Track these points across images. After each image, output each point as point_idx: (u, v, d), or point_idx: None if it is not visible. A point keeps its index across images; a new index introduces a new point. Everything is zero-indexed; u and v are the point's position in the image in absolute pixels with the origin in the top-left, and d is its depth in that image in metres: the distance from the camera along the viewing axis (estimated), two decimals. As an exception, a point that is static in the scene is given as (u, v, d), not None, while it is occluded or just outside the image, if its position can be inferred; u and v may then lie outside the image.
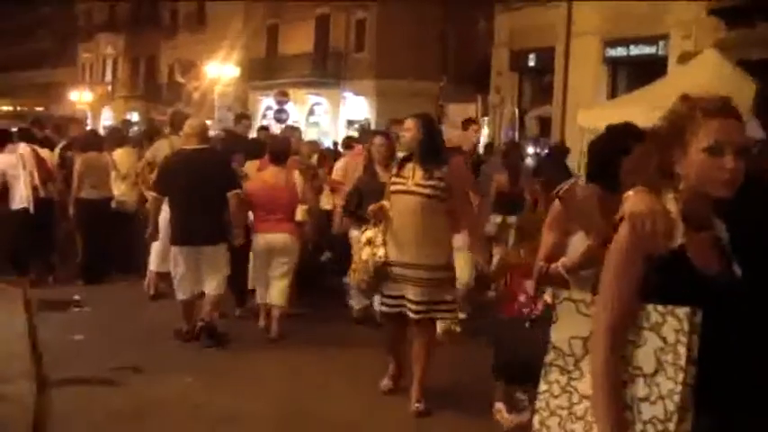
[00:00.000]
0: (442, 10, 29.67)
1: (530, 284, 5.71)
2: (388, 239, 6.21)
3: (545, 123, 22.98)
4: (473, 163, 10.47)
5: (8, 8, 63.48)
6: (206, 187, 8.05)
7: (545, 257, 4.12)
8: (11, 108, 55.87)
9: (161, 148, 10.10)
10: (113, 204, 11.03)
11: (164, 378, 7.08)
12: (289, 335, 8.60)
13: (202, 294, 8.38)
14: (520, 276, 5.91)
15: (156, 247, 9.55)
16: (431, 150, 6.24)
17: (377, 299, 7.15)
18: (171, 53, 45.89)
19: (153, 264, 9.90)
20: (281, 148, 8.97)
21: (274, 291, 8.57)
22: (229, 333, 8.52)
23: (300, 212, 8.63)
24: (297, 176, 8.81)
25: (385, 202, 6.30)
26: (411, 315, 6.23)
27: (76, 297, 10.00)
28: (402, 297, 6.24)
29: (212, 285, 8.29)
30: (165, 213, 9.08)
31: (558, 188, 4.25)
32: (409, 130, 6.29)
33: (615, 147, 3.89)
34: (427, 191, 6.13)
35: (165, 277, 9.77)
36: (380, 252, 6.16)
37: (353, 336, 8.61)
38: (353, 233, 8.10)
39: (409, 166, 6.25)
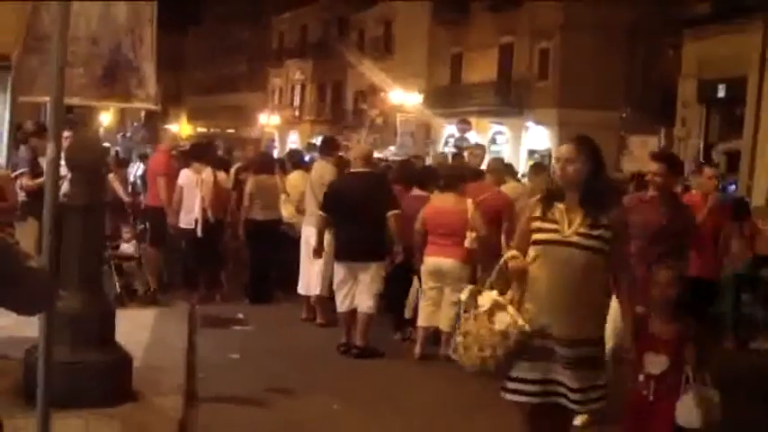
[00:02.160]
0: (626, 39, 28.97)
1: (650, 361, 4.92)
2: (528, 303, 4.66)
3: (733, 158, 21.87)
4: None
5: (209, 33, 67.02)
6: (366, 207, 8.67)
7: None
8: (205, 129, 58.78)
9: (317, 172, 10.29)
10: (282, 226, 11.29)
11: (311, 402, 7.10)
12: (443, 366, 8.52)
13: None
14: (642, 349, 4.97)
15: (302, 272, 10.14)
16: (599, 188, 4.74)
17: None
18: (357, 79, 46.91)
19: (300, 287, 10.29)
20: (453, 175, 9.22)
21: (443, 316, 8.68)
22: (382, 360, 8.66)
23: (468, 239, 8.66)
24: (469, 203, 8.83)
25: (514, 252, 4.76)
26: (569, 405, 4.71)
27: (240, 316, 10.25)
28: (543, 381, 4.68)
29: (364, 303, 8.76)
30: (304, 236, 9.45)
31: None
32: (572, 161, 4.69)
33: None
34: (591, 242, 4.62)
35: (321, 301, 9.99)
36: (520, 320, 4.56)
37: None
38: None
39: (559, 207, 4.70)
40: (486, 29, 35.76)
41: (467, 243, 8.64)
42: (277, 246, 11.17)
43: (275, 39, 60.25)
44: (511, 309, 4.61)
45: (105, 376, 5.99)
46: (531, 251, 4.70)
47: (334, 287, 9.08)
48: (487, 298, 4.67)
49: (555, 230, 4.66)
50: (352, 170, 9.41)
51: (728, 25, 21.30)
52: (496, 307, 4.63)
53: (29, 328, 4.63)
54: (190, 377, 7.24)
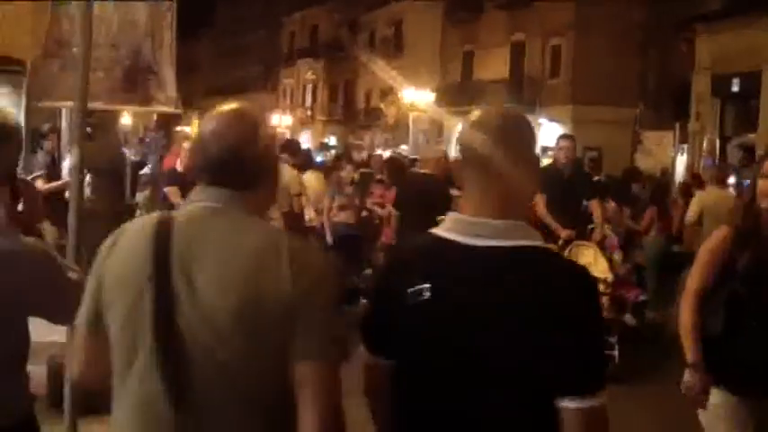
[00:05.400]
0: (639, 34, 28.88)
1: None
2: None
3: (749, 152, 21.79)
4: None
5: (222, 35, 67.22)
6: (422, 210, 8.76)
7: None
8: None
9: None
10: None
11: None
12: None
13: None
14: None
15: None
16: None
17: None
18: (368, 78, 46.94)
19: None
20: None
21: None
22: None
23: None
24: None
25: None
26: None
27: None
28: None
29: None
30: None
31: None
32: None
33: None
34: None
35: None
36: None
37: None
38: None
39: None
40: (497, 27, 35.74)
41: None
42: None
43: (286, 39, 60.35)
44: None
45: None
46: None
47: None
48: None
49: None
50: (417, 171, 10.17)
51: (742, 19, 21.22)
52: None
53: (56, 333, 4.62)
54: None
